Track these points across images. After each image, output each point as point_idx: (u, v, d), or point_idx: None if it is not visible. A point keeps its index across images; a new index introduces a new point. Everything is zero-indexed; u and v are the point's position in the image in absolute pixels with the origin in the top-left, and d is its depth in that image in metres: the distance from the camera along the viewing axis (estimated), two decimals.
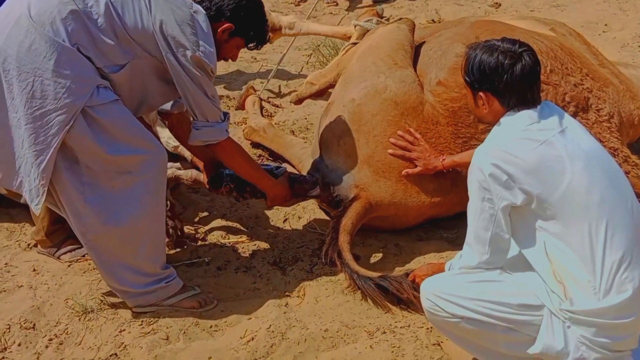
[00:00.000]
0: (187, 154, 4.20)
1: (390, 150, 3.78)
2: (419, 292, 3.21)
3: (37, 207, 3.27)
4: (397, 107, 3.82)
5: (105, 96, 3.21)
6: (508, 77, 2.73)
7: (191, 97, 3.36)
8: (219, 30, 3.41)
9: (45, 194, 3.23)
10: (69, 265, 3.89)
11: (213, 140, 3.49)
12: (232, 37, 3.48)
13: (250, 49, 3.63)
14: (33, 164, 3.19)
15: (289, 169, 4.28)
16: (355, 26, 5.01)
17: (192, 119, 3.47)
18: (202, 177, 4.01)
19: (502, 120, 2.81)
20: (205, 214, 4.34)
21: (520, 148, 2.69)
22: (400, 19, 4.40)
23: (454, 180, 3.83)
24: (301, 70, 6.24)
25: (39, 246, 3.99)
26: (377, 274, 3.50)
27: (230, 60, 3.64)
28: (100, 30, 3.18)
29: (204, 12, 3.36)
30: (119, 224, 3.31)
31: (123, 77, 3.28)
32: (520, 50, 2.76)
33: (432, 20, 7.29)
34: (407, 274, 3.41)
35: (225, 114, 3.53)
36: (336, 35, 5.50)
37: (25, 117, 3.16)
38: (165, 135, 4.28)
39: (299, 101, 4.77)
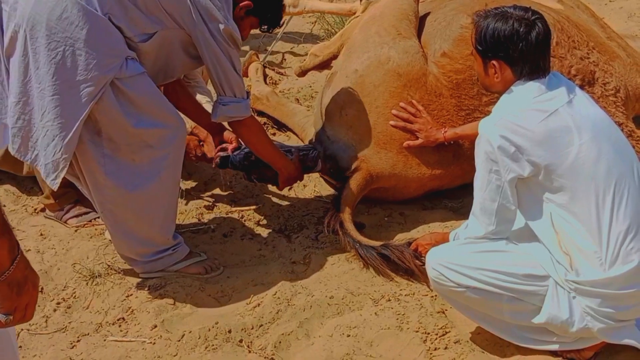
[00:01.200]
0: (187, 125, 4.15)
1: (391, 122, 3.77)
2: (421, 261, 3.27)
3: (54, 182, 3.20)
4: (400, 78, 3.80)
5: (134, 68, 3.17)
6: (524, 45, 2.72)
7: (222, 71, 3.34)
8: (237, 6, 3.40)
9: (67, 168, 3.17)
10: (75, 230, 3.92)
11: (239, 116, 3.47)
12: (247, 16, 3.48)
13: (262, 30, 3.63)
14: (57, 137, 3.12)
15: (291, 135, 4.26)
16: (361, 1, 4.98)
17: (218, 95, 3.44)
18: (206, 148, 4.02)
19: (511, 88, 2.81)
20: (211, 181, 4.36)
21: (529, 119, 2.70)
22: None
23: (455, 153, 3.83)
24: (304, 37, 6.20)
25: (46, 210, 4.01)
26: (379, 243, 3.52)
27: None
28: (127, 2, 3.13)
29: None
30: (138, 197, 3.30)
31: (150, 47, 3.24)
32: (533, 17, 2.75)
33: None
34: (409, 243, 3.43)
35: (247, 92, 3.52)
36: (341, 12, 5.47)
37: (52, 87, 3.08)
38: None
39: (302, 73, 4.74)
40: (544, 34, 2.74)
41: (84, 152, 3.21)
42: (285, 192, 4.25)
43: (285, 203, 4.15)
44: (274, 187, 4.03)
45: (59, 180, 3.21)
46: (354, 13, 5.09)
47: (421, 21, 4.09)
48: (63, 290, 3.52)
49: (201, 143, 4.02)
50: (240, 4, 3.41)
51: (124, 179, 3.27)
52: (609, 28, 4.43)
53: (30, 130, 3.20)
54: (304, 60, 4.96)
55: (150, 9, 3.19)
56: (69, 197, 3.94)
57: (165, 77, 3.49)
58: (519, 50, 2.73)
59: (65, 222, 3.96)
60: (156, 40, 3.25)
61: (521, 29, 2.72)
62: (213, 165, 3.98)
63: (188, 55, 3.40)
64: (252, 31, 6.20)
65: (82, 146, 3.19)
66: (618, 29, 5.06)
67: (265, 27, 3.59)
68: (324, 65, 4.54)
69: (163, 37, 3.27)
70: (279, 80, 5.47)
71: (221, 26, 3.26)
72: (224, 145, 3.89)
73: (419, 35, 3.99)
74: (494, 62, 2.80)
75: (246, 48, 5.93)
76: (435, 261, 2.90)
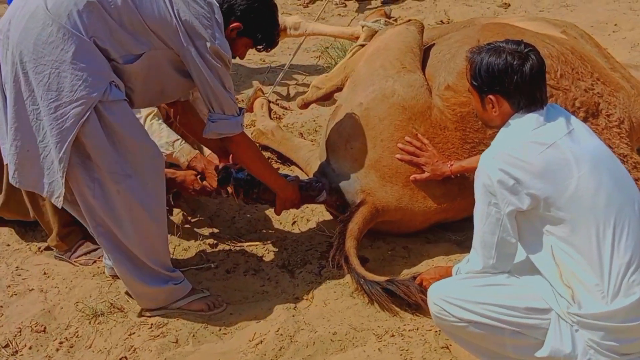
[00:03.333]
0: (182, 159, 4.12)
1: (398, 156, 3.77)
2: (426, 296, 3.23)
3: (58, 200, 3.25)
4: (405, 111, 3.81)
5: (116, 94, 3.20)
6: (518, 77, 2.74)
7: (209, 89, 3.35)
8: (228, 27, 3.42)
9: (64, 186, 3.21)
10: (80, 266, 3.91)
11: (228, 133, 3.48)
12: (240, 37, 3.49)
13: (259, 50, 3.63)
14: (55, 155, 3.17)
15: (295, 169, 4.28)
16: (362, 27, 4.99)
17: (208, 111, 3.45)
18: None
19: (509, 122, 2.81)
20: (214, 217, 4.35)
21: (527, 152, 2.69)
22: (409, 20, 4.37)
23: (460, 186, 3.81)
24: (309, 71, 6.24)
25: (56, 251, 4.00)
26: (384, 278, 3.50)
27: (238, 57, 3.64)
28: (116, 21, 3.17)
29: (217, 4, 3.36)
30: (123, 227, 3.32)
31: (138, 68, 3.28)
32: (526, 50, 2.77)
33: (441, 21, 7.29)
34: (414, 278, 3.41)
35: (241, 109, 3.52)
36: (343, 35, 5.45)
37: (44, 109, 3.15)
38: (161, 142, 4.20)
39: (304, 105, 4.75)
40: (538, 65, 2.75)
41: (75, 176, 3.24)
42: (288, 226, 4.24)
43: (288, 238, 4.14)
44: (273, 210, 4.00)
45: (62, 198, 3.24)
46: (357, 38, 5.09)
47: (426, 53, 4.10)
48: (66, 329, 3.50)
49: (199, 176, 4.01)
50: (230, 26, 3.43)
51: (110, 207, 3.29)
52: (612, 58, 4.42)
53: (27, 154, 3.24)
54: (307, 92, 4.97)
55: (136, 30, 3.22)
56: (74, 235, 3.94)
57: (162, 97, 3.50)
58: (514, 83, 2.74)
59: (74, 261, 3.96)
60: (144, 61, 3.28)
61: (515, 62, 2.73)
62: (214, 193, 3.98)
63: (181, 75, 3.41)
64: (257, 66, 6.30)
65: (73, 169, 3.22)
66: (622, 59, 5.06)
67: (261, 47, 3.59)
68: (326, 97, 4.55)
69: (151, 57, 3.29)
70: (283, 114, 5.50)
71: (207, 44, 3.27)
72: (229, 163, 3.91)
73: (423, 68, 4.00)
74: (490, 96, 2.81)
75: (252, 83, 5.99)
76: (436, 296, 2.88)
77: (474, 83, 2.84)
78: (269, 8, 3.53)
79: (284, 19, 5.47)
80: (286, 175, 3.95)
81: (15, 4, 3.25)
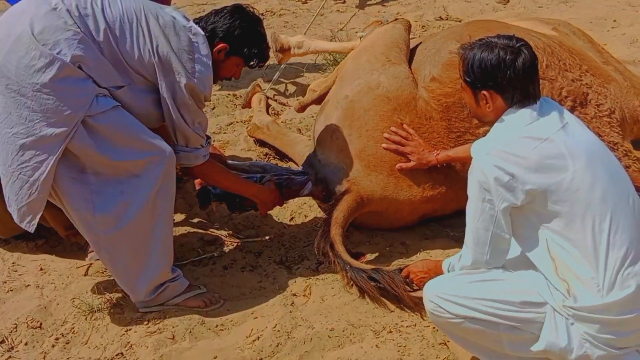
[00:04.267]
0: None
1: (384, 145, 3.79)
2: (411, 288, 3.27)
3: (31, 224, 3.26)
4: (390, 102, 3.84)
5: (105, 104, 3.21)
6: (511, 72, 2.73)
7: (176, 123, 3.39)
8: (214, 50, 3.42)
9: (43, 207, 3.23)
10: (84, 256, 3.91)
11: (189, 164, 3.54)
12: (228, 57, 3.50)
13: (251, 67, 3.62)
14: (31, 178, 3.18)
15: (292, 165, 4.26)
16: (361, 38, 5.01)
17: (172, 142, 3.47)
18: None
19: (503, 117, 2.80)
20: (212, 213, 4.33)
21: (522, 147, 2.68)
22: (396, 19, 4.40)
23: (446, 175, 3.84)
24: (307, 68, 6.22)
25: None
26: (370, 267, 3.50)
27: (233, 78, 3.65)
28: (99, 55, 3.19)
29: (203, 33, 3.37)
30: (129, 228, 3.31)
31: (122, 96, 3.28)
32: (518, 45, 2.76)
33: (440, 17, 7.26)
34: (400, 270, 3.40)
35: (207, 139, 3.55)
36: (344, 50, 5.45)
37: (25, 130, 3.15)
38: None
39: (301, 108, 4.77)
40: (530, 60, 2.75)
41: (67, 193, 3.24)
42: (286, 222, 4.23)
43: (286, 234, 4.13)
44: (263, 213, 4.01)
45: (37, 220, 3.26)
46: None
47: (412, 51, 4.14)
48: (62, 325, 3.50)
49: None
50: (216, 48, 3.43)
51: (113, 211, 3.28)
52: (606, 53, 4.43)
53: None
54: (306, 91, 4.96)
55: (116, 66, 3.24)
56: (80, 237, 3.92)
57: (150, 123, 3.47)
58: (507, 78, 2.73)
59: (87, 254, 3.94)
60: (126, 91, 3.29)
61: (507, 57, 2.72)
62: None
63: (161, 107, 3.40)
64: None
65: (65, 186, 3.22)
66: (620, 55, 5.05)
67: (253, 63, 3.58)
68: (322, 99, 4.56)
69: (133, 90, 3.31)
70: (281, 111, 5.49)
71: (183, 80, 3.30)
72: (204, 183, 3.93)
73: (410, 64, 4.03)
74: (484, 92, 2.80)
75: (250, 78, 5.96)
76: (431, 293, 2.87)
77: (467, 79, 2.83)
78: (251, 22, 3.53)
79: (288, 39, 5.49)
80: (262, 177, 3.95)
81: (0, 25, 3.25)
